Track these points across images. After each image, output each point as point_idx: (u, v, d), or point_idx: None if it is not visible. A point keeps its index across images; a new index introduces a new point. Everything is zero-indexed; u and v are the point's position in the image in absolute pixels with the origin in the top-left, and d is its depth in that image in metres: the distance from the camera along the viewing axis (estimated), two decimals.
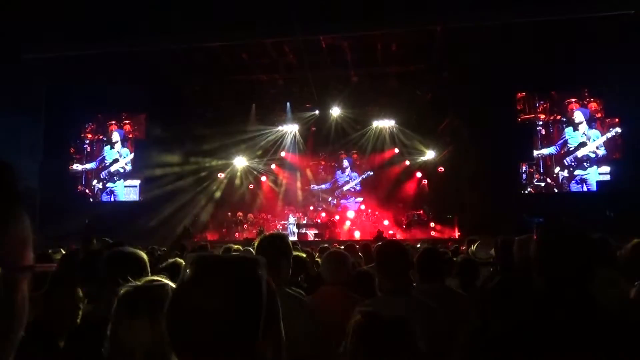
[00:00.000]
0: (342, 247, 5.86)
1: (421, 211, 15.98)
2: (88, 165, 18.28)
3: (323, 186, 17.94)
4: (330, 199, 17.74)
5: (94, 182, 18.19)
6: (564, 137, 16.14)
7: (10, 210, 0.68)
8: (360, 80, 15.59)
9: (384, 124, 16.65)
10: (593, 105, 15.84)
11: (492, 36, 13.14)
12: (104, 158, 18.37)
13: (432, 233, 15.15)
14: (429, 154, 16.30)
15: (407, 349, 1.14)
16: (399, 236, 14.66)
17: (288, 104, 16.73)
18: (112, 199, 17.66)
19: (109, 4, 12.40)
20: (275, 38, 13.53)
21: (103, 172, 18.31)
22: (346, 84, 15.82)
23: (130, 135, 18.12)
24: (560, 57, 13.64)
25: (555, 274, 1.63)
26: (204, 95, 16.21)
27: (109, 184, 18.17)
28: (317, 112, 16.61)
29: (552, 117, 16.30)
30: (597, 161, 15.67)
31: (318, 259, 4.84)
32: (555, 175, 15.99)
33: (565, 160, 16.09)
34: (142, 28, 12.85)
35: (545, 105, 16.26)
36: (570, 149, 16.09)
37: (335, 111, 16.37)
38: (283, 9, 11.53)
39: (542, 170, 16.03)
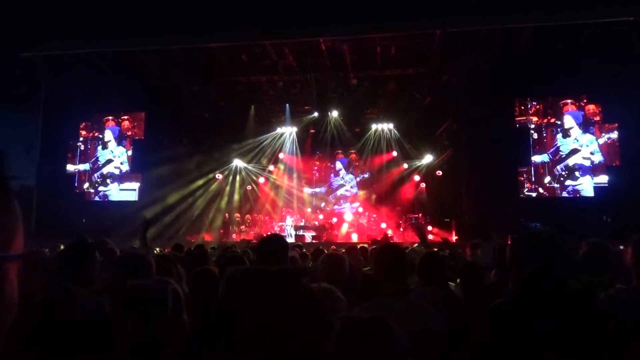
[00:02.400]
0: (343, 249, 5.84)
1: (419, 215, 15.97)
2: (81, 166, 17.58)
3: (317, 190, 17.77)
4: (323, 204, 17.46)
5: (86, 185, 17.44)
6: (556, 143, 15.33)
7: None
8: (359, 83, 15.61)
9: (383, 127, 16.67)
10: (590, 108, 15.14)
11: (491, 41, 13.18)
12: (97, 159, 17.65)
13: (430, 237, 15.13)
14: (427, 158, 16.30)
15: (389, 348, 1.14)
16: (396, 239, 14.65)
17: (287, 105, 16.72)
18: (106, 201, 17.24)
19: (109, 3, 12.39)
20: (275, 40, 13.55)
21: (95, 174, 17.54)
22: (345, 87, 15.84)
23: (129, 133, 17.52)
24: (560, 63, 13.67)
25: (521, 275, 1.72)
26: (203, 96, 16.19)
27: (100, 188, 17.40)
28: (316, 114, 16.62)
29: (545, 120, 15.52)
30: (593, 169, 14.87)
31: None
32: (547, 185, 15.28)
33: (555, 170, 15.19)
34: (142, 28, 12.85)
35: (538, 107, 15.57)
36: (562, 156, 15.25)
37: (334, 114, 16.40)
38: (283, 11, 11.56)
39: (533, 179, 15.33)
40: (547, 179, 15.28)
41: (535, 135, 15.52)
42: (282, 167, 17.62)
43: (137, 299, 1.49)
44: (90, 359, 1.76)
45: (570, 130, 15.19)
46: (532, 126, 15.56)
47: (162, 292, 1.50)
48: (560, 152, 15.28)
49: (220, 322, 0.87)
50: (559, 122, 15.43)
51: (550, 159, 15.40)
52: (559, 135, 15.35)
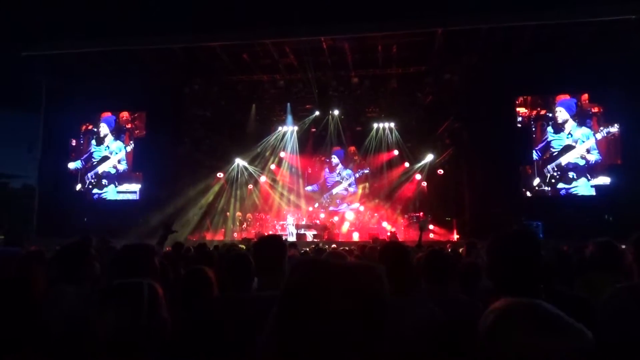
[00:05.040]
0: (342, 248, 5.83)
1: (420, 213, 15.96)
2: (72, 165, 16.55)
3: (309, 188, 17.44)
4: (317, 204, 17.02)
5: (78, 186, 16.35)
6: (546, 138, 13.69)
7: None
8: (360, 82, 15.61)
9: (384, 125, 16.66)
10: (585, 97, 13.82)
11: (493, 39, 13.16)
12: (91, 155, 16.38)
13: (431, 235, 15.12)
14: (429, 156, 16.28)
15: None
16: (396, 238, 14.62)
17: (288, 104, 16.72)
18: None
19: (110, 2, 12.39)
20: (276, 38, 13.54)
21: (89, 174, 16.29)
22: (347, 86, 15.83)
23: (129, 126, 16.62)
24: (561, 61, 13.62)
25: (499, 277, 1.67)
26: (204, 95, 16.19)
27: (95, 190, 16.27)
28: (317, 113, 16.62)
29: (534, 112, 14.13)
30: (589, 170, 13.47)
31: None
32: (536, 189, 13.86)
33: (545, 170, 13.61)
34: (143, 27, 12.85)
35: (526, 97, 14.36)
36: (554, 154, 13.69)
37: (335, 112, 16.40)
38: (285, 10, 11.56)
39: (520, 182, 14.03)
40: (536, 181, 13.95)
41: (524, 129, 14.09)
42: (283, 166, 17.60)
43: (112, 297, 1.50)
44: (70, 358, 1.76)
45: (565, 124, 13.68)
46: (519, 119, 14.39)
47: (137, 289, 1.50)
48: (551, 149, 13.81)
49: (284, 318, 0.85)
50: (550, 115, 14.05)
51: (539, 156, 14.06)
52: (549, 129, 13.86)
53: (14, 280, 1.76)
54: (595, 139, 13.69)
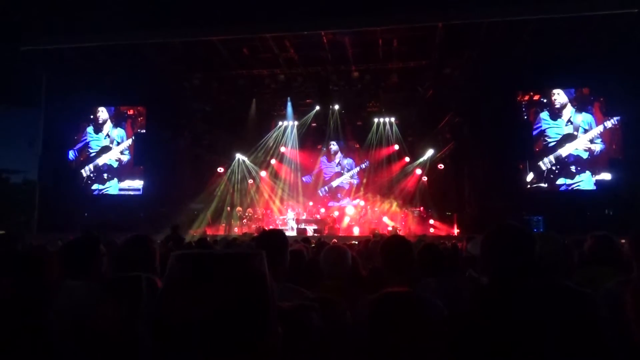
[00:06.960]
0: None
1: (421, 208, 15.98)
2: (70, 155, 15.76)
3: (303, 179, 17.22)
4: (312, 202, 16.60)
5: (78, 180, 15.44)
6: (540, 126, 12.01)
7: None
8: (361, 76, 15.56)
9: (384, 120, 16.64)
10: (586, 90, 12.56)
11: (494, 33, 13.11)
12: (87, 144, 14.78)
13: (432, 230, 15.15)
14: (429, 151, 16.28)
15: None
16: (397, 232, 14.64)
17: (289, 99, 16.69)
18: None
19: None
20: (276, 33, 13.49)
21: (87, 167, 14.98)
22: (347, 80, 15.79)
23: (131, 112, 15.51)
24: (563, 55, 13.57)
25: (495, 270, 1.70)
26: (204, 90, 16.16)
27: (95, 185, 15.24)
28: (317, 107, 16.60)
29: (527, 97, 12.68)
30: (592, 163, 11.95)
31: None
32: (529, 187, 12.30)
33: (542, 163, 11.98)
34: (143, 21, 12.79)
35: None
36: (550, 144, 12.01)
37: (336, 107, 16.37)
38: (284, 4, 11.51)
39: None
40: (530, 177, 12.37)
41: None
42: (283, 160, 17.60)
43: (111, 290, 1.51)
44: (75, 353, 1.77)
45: (563, 110, 12.04)
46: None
47: (136, 283, 1.51)
48: (547, 138, 12.17)
49: (165, 309, 0.86)
50: (544, 101, 12.32)
51: (532, 148, 12.82)
52: (544, 115, 12.10)
53: (28, 274, 1.76)
54: (604, 127, 12.20)
